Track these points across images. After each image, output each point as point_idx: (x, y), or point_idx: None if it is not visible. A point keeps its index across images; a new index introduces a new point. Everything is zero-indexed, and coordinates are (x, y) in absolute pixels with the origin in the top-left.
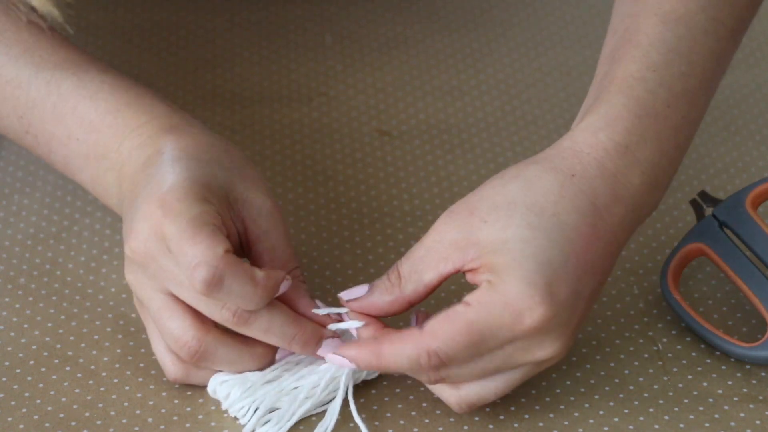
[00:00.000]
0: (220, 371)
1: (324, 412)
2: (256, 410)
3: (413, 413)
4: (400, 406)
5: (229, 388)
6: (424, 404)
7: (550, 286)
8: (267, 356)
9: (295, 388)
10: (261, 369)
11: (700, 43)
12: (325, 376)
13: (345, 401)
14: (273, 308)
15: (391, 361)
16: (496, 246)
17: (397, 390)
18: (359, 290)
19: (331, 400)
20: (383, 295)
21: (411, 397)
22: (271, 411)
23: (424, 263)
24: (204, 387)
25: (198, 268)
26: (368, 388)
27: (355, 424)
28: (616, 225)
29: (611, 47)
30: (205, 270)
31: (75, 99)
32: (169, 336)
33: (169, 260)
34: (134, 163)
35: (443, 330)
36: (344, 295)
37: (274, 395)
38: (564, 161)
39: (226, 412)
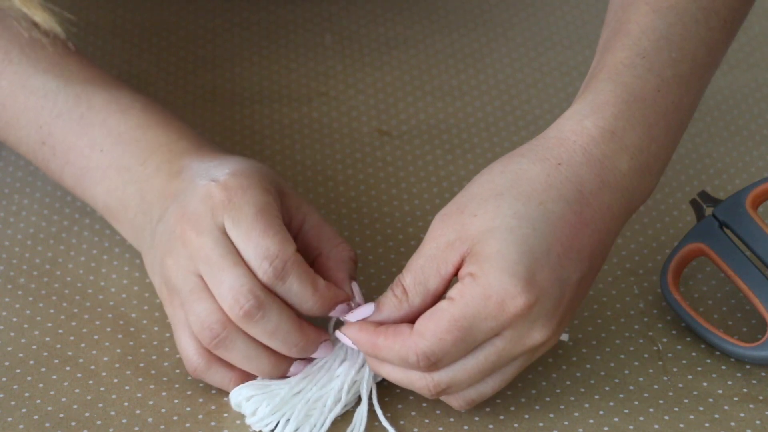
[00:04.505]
0: (236, 382)
1: (340, 417)
2: (288, 421)
3: (413, 413)
4: (400, 406)
5: (257, 404)
6: (424, 404)
7: (532, 275)
8: (282, 365)
9: (320, 397)
10: (273, 377)
11: (692, 31)
12: (347, 380)
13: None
14: (282, 313)
15: (385, 354)
16: (484, 236)
17: (397, 390)
18: (365, 310)
19: (347, 404)
20: (392, 312)
21: (411, 398)
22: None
23: (425, 272)
24: (206, 387)
25: (269, 260)
26: None
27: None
28: (605, 211)
29: (604, 39)
30: (277, 262)
31: (106, 112)
32: (194, 318)
33: (211, 240)
34: (161, 177)
35: (429, 329)
36: (350, 318)
37: (303, 405)
38: (550, 151)
39: (226, 412)
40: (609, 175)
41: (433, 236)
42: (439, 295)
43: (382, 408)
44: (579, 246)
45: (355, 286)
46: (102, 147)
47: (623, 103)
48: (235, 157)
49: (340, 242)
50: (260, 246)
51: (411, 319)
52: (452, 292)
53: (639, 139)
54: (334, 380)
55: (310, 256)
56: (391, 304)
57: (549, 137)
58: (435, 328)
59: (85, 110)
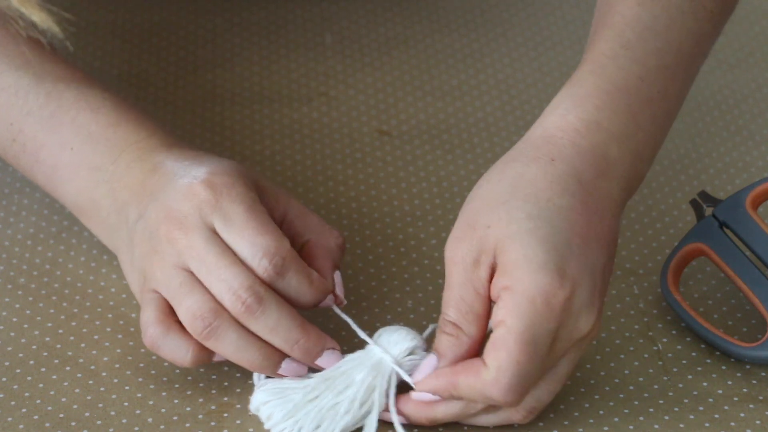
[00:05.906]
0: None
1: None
2: (300, 428)
3: None
4: None
5: (271, 409)
6: None
7: (562, 269)
8: (273, 357)
9: (336, 404)
10: (264, 371)
11: (678, 23)
12: (362, 388)
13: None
14: (282, 308)
15: (467, 393)
16: (504, 243)
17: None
18: (429, 364)
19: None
20: (455, 351)
21: None
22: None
23: (466, 299)
24: (206, 387)
25: (269, 257)
26: None
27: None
28: (605, 198)
29: (590, 33)
30: (277, 259)
31: (76, 109)
32: (185, 310)
33: (201, 239)
34: (134, 175)
35: (503, 358)
36: (419, 375)
37: (315, 414)
38: (539, 149)
39: (226, 412)
40: (602, 162)
41: (453, 263)
42: (487, 315)
43: None
44: (594, 234)
45: (337, 276)
46: (72, 145)
47: (605, 93)
48: (209, 155)
49: (327, 229)
50: (257, 244)
51: (474, 352)
52: (498, 317)
53: (625, 127)
54: (351, 387)
55: (296, 245)
56: (449, 344)
57: (535, 137)
58: (508, 355)
59: (54, 108)
